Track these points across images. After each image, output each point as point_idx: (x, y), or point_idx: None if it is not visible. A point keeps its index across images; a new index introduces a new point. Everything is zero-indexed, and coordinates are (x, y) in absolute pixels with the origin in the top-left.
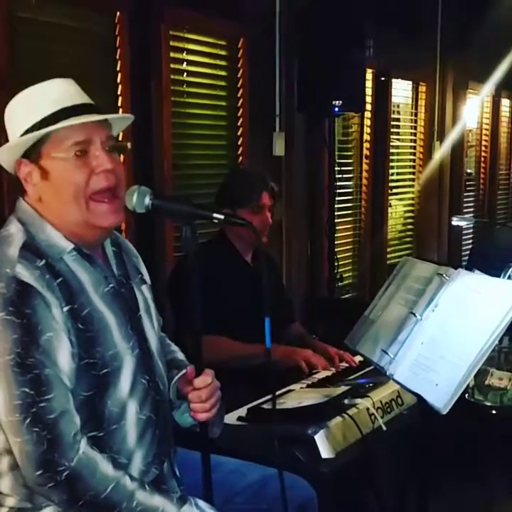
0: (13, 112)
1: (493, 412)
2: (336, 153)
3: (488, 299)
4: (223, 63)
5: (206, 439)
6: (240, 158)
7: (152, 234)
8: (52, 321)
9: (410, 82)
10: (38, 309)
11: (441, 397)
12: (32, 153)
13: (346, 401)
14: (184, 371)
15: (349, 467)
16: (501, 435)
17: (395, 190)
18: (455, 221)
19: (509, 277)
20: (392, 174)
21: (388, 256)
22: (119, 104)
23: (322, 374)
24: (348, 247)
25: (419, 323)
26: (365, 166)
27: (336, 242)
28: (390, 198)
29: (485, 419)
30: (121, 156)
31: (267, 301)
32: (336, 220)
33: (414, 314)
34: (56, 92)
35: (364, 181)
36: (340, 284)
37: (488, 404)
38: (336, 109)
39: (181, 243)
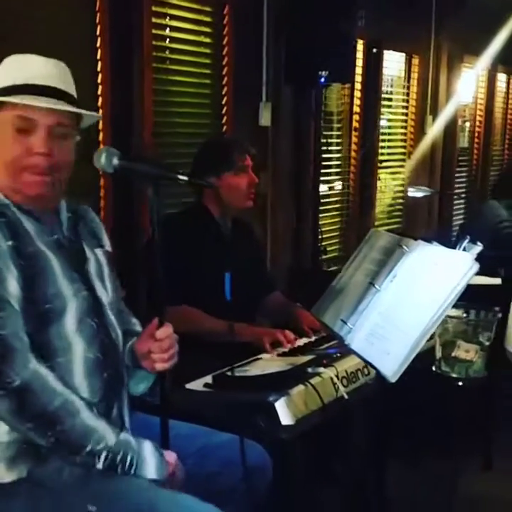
0: None
1: (459, 383)
2: (324, 125)
3: (442, 270)
4: (208, 30)
5: (164, 393)
6: (224, 127)
7: (131, 208)
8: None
9: (403, 54)
10: None
11: (390, 365)
12: None
13: (310, 370)
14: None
15: (310, 435)
16: (467, 407)
17: (384, 164)
18: (411, 192)
19: (464, 249)
20: (383, 147)
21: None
22: (99, 69)
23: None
24: (335, 220)
25: (378, 294)
26: (354, 139)
27: (322, 215)
28: (379, 171)
29: (451, 391)
30: (100, 123)
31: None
32: (322, 193)
33: (373, 285)
34: (34, 68)
35: (353, 154)
36: (324, 256)
37: (455, 376)
38: (322, 79)
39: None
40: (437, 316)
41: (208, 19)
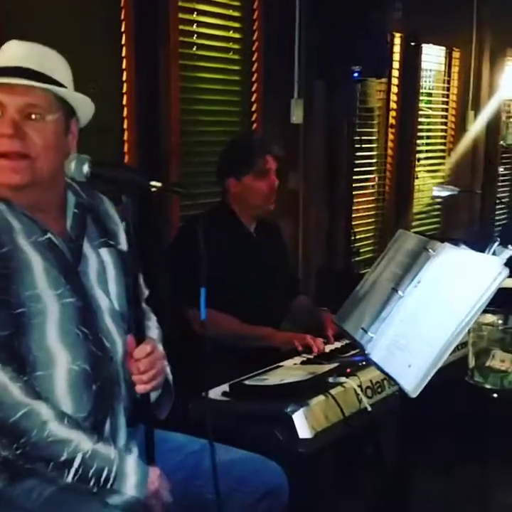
0: None
1: (494, 395)
2: (360, 121)
3: (469, 275)
4: (237, 25)
5: (149, 413)
6: (254, 125)
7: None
8: None
9: (443, 48)
10: None
11: (412, 379)
12: None
13: (330, 379)
14: None
15: (329, 449)
16: (502, 419)
17: (423, 162)
18: (436, 191)
19: (494, 253)
20: (421, 144)
21: (413, 230)
22: (124, 66)
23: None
24: (370, 220)
25: (401, 300)
26: (390, 136)
27: (356, 215)
28: (417, 169)
29: (485, 402)
30: (126, 122)
31: (203, 271)
32: (356, 192)
33: (396, 290)
34: (6, 53)
35: (389, 151)
36: (357, 258)
37: (489, 386)
38: (356, 74)
39: (122, 212)
40: (463, 325)
41: (237, 14)
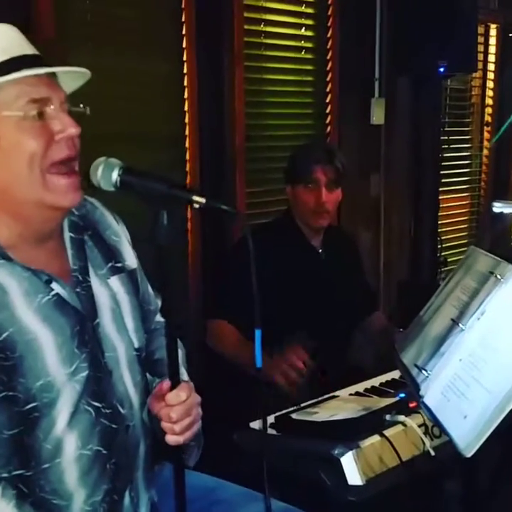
0: None
1: None
2: (449, 120)
3: None
4: (310, 22)
5: (178, 459)
6: (328, 128)
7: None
8: None
9: None
10: None
11: (465, 434)
12: None
13: (388, 417)
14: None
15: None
16: None
17: None
18: (497, 207)
19: None
20: None
21: None
22: (185, 71)
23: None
24: (462, 226)
25: (462, 335)
26: (486, 134)
27: (445, 221)
28: None
29: None
30: (187, 129)
31: (257, 309)
32: (445, 196)
33: (456, 323)
34: (3, 39)
35: (485, 152)
36: (444, 268)
37: None
38: (442, 69)
39: (156, 232)
40: None
41: (309, 10)
